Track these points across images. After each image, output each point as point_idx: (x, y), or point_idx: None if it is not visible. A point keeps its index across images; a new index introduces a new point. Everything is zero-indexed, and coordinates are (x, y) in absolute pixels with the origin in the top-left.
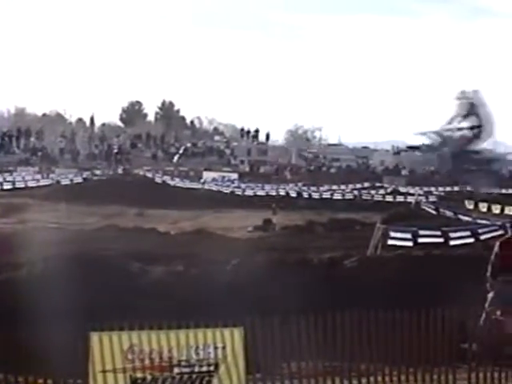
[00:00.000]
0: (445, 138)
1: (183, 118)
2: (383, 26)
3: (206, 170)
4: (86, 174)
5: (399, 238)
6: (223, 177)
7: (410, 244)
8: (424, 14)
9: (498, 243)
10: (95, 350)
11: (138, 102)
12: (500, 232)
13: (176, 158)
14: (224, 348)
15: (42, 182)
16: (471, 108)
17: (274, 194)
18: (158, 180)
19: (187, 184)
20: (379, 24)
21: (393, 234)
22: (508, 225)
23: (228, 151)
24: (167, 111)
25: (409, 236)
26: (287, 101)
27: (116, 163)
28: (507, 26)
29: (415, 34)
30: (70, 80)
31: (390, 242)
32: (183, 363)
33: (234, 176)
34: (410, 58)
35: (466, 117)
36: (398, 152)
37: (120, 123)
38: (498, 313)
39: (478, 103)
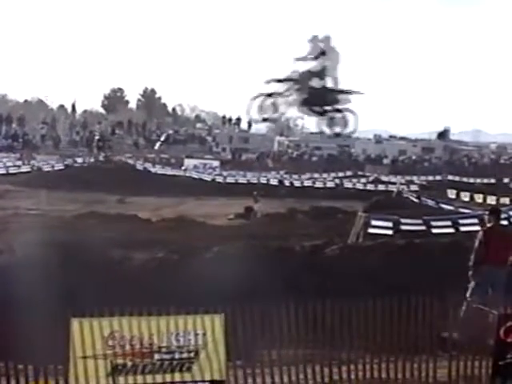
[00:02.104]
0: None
1: (165, 105)
2: (367, 11)
3: (187, 157)
4: (67, 161)
5: (381, 227)
6: (205, 164)
7: (391, 232)
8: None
9: (481, 231)
10: (76, 336)
11: (120, 89)
12: (479, 224)
13: (158, 145)
14: (204, 335)
15: (23, 169)
16: (321, 51)
17: (255, 181)
18: (140, 167)
19: (169, 171)
20: (363, 10)
21: (374, 223)
22: (486, 215)
23: (210, 139)
24: (149, 98)
25: (390, 224)
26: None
27: (97, 150)
28: (487, 15)
29: (397, 22)
30: (51, 66)
31: (372, 230)
32: (164, 350)
33: (216, 163)
34: (394, 47)
35: (315, 58)
36: (380, 141)
37: (102, 110)
38: (480, 302)
39: (327, 48)
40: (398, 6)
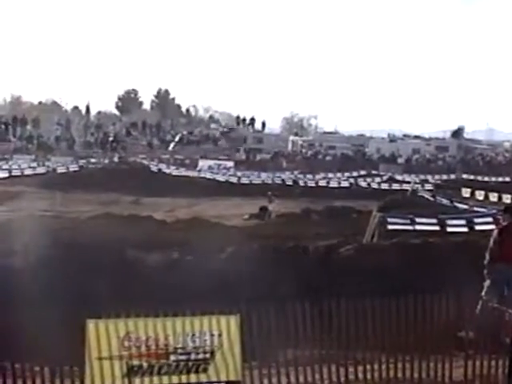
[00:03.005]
0: None
1: (179, 106)
2: (379, 12)
3: (201, 157)
4: (81, 162)
5: (399, 223)
6: (219, 165)
7: (411, 228)
8: None
9: (496, 230)
10: (91, 338)
11: (134, 90)
12: (494, 223)
13: (172, 145)
14: (220, 335)
15: (38, 170)
16: None
17: (269, 182)
18: (154, 168)
19: (183, 172)
20: (375, 10)
21: (391, 220)
22: (500, 214)
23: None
24: (163, 99)
25: (407, 222)
26: (283, 89)
27: (112, 151)
28: (501, 11)
29: (411, 21)
30: (65, 68)
31: (391, 227)
32: (179, 351)
33: (230, 164)
34: (407, 46)
35: None
36: (394, 140)
37: (116, 111)
38: (495, 301)
39: None
40: (411, 5)
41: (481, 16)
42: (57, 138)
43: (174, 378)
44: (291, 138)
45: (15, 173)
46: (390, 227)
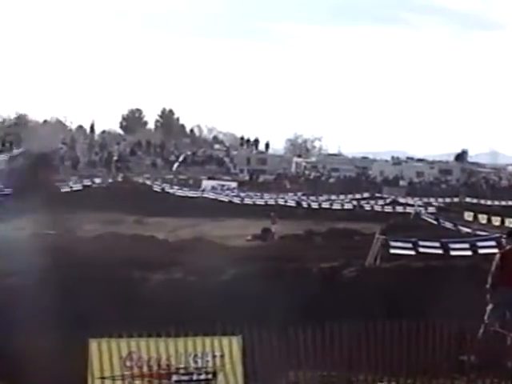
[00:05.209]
0: None
1: (183, 126)
2: (383, 37)
3: (206, 178)
4: (85, 181)
5: (402, 246)
6: (222, 185)
7: (412, 253)
8: (422, 25)
9: (498, 254)
10: (94, 357)
11: (138, 110)
12: (497, 246)
13: (175, 166)
14: (222, 356)
15: None
16: None
17: (273, 203)
18: (157, 188)
19: (186, 192)
20: (379, 35)
21: (393, 244)
22: (503, 238)
23: (227, 160)
24: (167, 119)
25: (410, 245)
26: (287, 110)
27: (116, 171)
28: (504, 38)
29: (414, 46)
30: (70, 87)
31: (392, 250)
32: (181, 371)
33: (234, 185)
34: (410, 69)
35: None
36: (397, 162)
37: (120, 131)
38: (497, 325)
39: None
40: (406, 32)
41: (486, 42)
42: (61, 157)
43: None
44: (295, 159)
45: None
46: (393, 250)
